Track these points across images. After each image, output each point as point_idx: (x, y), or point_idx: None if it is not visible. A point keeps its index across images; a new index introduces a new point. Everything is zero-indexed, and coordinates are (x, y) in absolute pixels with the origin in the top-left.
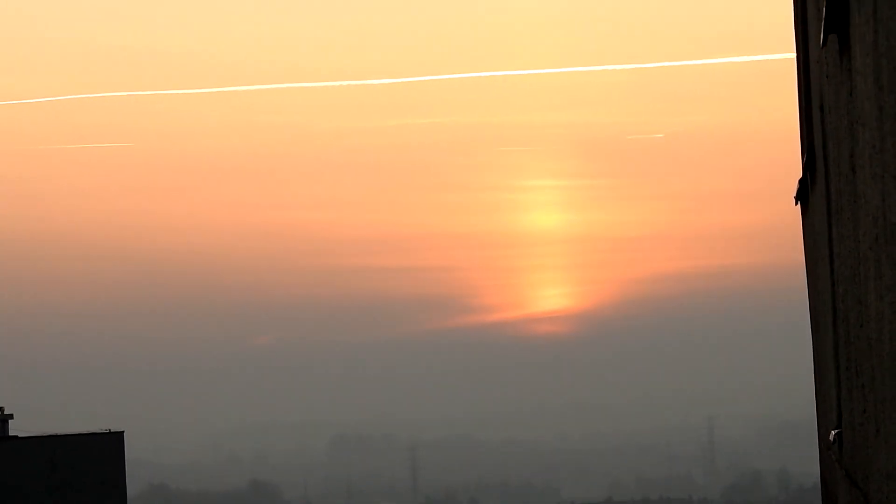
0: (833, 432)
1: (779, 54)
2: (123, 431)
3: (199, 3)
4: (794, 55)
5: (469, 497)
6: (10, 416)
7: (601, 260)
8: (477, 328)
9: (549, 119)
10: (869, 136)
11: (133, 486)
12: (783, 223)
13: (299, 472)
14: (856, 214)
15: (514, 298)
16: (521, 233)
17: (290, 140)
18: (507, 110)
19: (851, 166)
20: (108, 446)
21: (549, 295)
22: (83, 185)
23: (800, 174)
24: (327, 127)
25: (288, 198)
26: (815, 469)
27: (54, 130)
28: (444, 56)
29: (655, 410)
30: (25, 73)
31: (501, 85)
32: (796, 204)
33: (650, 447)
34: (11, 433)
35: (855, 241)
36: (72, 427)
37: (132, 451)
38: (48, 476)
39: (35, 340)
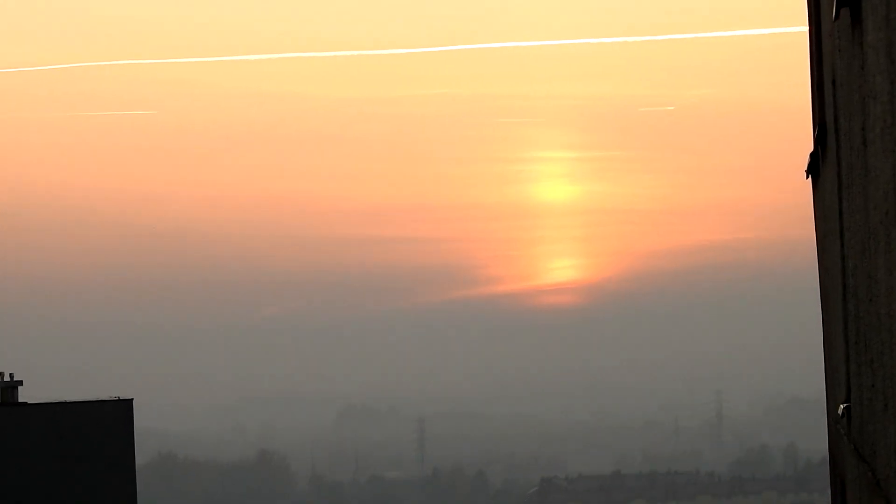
0: (841, 407)
1: (791, 27)
2: (133, 399)
3: None
4: (806, 28)
5: (476, 470)
6: (20, 383)
7: (610, 232)
8: (484, 300)
9: (560, 90)
10: (880, 111)
11: (141, 454)
12: (793, 197)
13: (307, 442)
14: (866, 189)
15: (522, 270)
16: (529, 204)
17: (297, 110)
18: (517, 82)
19: (863, 140)
20: (118, 414)
21: (558, 267)
22: (99, 154)
23: (811, 148)
24: (335, 97)
25: (297, 168)
26: (823, 444)
27: (76, 98)
28: (453, 26)
29: (663, 384)
30: (48, 41)
31: (511, 56)
32: (807, 178)
33: (657, 421)
34: (21, 400)
35: (865, 215)
36: (81, 394)
37: (141, 420)
38: (56, 443)
39: (46, 308)
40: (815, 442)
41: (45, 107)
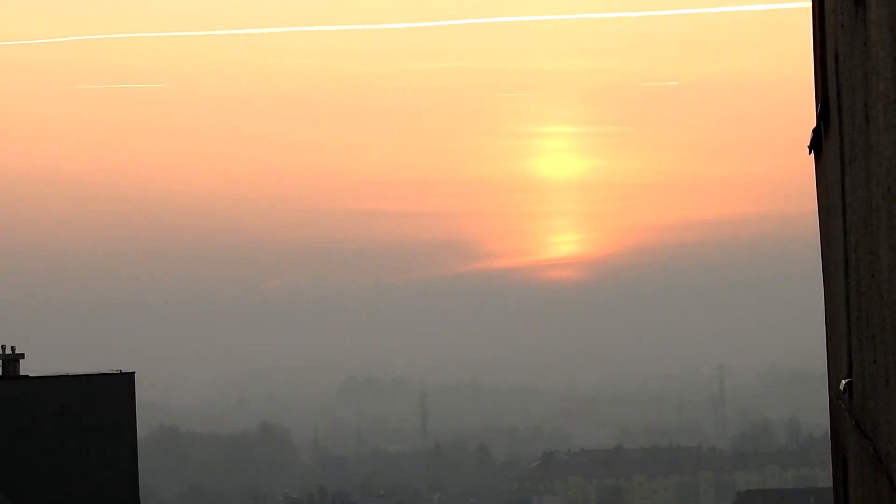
0: (843, 382)
1: (794, 3)
2: (134, 372)
3: None
4: (809, 4)
5: (478, 442)
6: (22, 356)
7: (613, 207)
8: (488, 274)
9: (564, 66)
10: (883, 87)
11: (143, 427)
12: (796, 172)
13: (309, 415)
14: (869, 164)
15: (526, 244)
16: (534, 179)
17: (303, 83)
18: (523, 57)
19: (865, 116)
20: (119, 387)
21: (561, 241)
22: (103, 127)
23: (813, 123)
24: (340, 71)
25: (300, 142)
26: (825, 419)
27: (84, 71)
28: (460, 1)
29: (666, 359)
30: (54, 14)
31: (515, 31)
32: (810, 153)
33: (660, 395)
34: (22, 373)
35: (868, 191)
36: (83, 367)
37: (143, 393)
38: (58, 416)
39: (48, 281)
40: (817, 416)
41: (52, 80)
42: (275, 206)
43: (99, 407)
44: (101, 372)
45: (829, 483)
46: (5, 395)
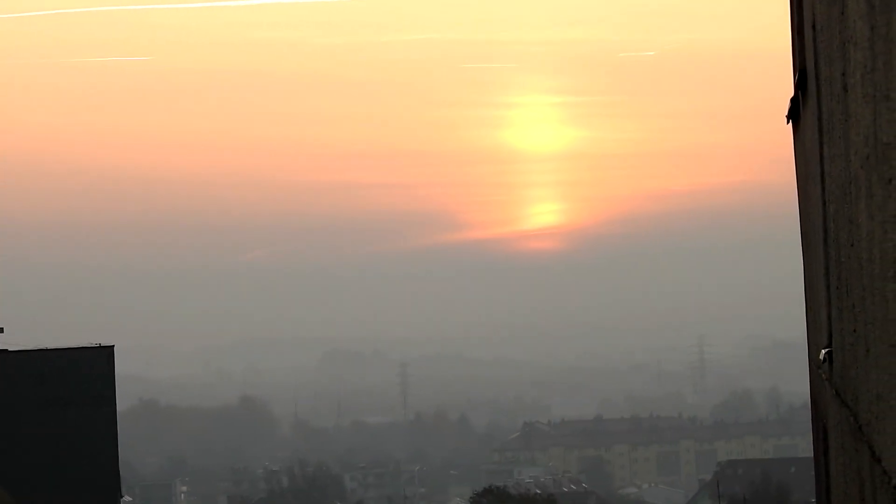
0: (823, 352)
1: None
2: (114, 346)
3: None
4: None
5: (459, 414)
6: (1, 330)
7: (591, 177)
8: (468, 245)
9: (541, 36)
10: (860, 56)
11: (123, 401)
12: (774, 142)
13: (289, 387)
14: (847, 134)
15: (506, 215)
16: (512, 149)
17: (280, 56)
18: (499, 27)
19: (843, 86)
20: (99, 361)
21: (540, 212)
22: (85, 99)
23: (791, 93)
24: (314, 43)
25: (279, 113)
26: (806, 388)
27: (67, 44)
28: None
29: (646, 329)
30: None
31: (492, 1)
32: (788, 122)
33: (641, 366)
34: (2, 347)
35: (846, 160)
36: (62, 341)
37: (122, 366)
38: (38, 390)
39: (27, 254)
40: (797, 386)
41: (38, 53)
42: (251, 178)
43: (79, 381)
44: (81, 346)
45: (810, 452)
46: None
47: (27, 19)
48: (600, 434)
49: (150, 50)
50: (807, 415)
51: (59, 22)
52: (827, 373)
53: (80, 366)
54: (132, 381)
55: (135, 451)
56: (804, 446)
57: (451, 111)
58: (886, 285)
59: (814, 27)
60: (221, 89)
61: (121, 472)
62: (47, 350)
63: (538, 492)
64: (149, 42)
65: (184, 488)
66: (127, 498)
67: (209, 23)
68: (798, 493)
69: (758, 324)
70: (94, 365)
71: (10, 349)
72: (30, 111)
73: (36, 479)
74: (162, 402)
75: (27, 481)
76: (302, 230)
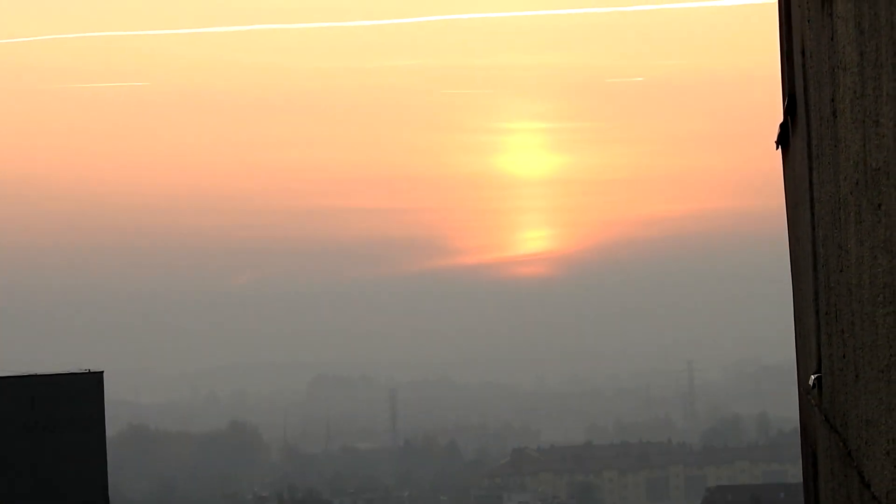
0: (812, 377)
1: None
2: (103, 372)
3: None
4: None
5: (448, 439)
6: None
7: (580, 203)
8: (457, 270)
9: (530, 62)
10: (850, 81)
11: (112, 426)
12: (763, 167)
13: (278, 412)
14: (836, 159)
15: (495, 241)
16: (500, 175)
17: (270, 81)
18: (489, 52)
19: (832, 111)
20: (88, 387)
21: (529, 238)
22: (76, 126)
23: (780, 118)
24: (309, 68)
25: (269, 138)
26: (795, 414)
27: (66, 70)
28: None
29: (635, 354)
30: (35, 13)
31: (482, 27)
32: (777, 148)
33: (630, 391)
34: None
35: (836, 185)
36: (51, 367)
37: (112, 392)
38: (27, 416)
39: (16, 279)
40: (787, 411)
41: (33, 79)
42: (242, 203)
43: (68, 406)
44: (70, 371)
45: (800, 478)
46: None
47: (19, 45)
48: (590, 459)
49: (143, 76)
50: (796, 440)
51: (56, 47)
52: (816, 398)
53: (69, 391)
54: (121, 406)
55: (124, 477)
56: (794, 472)
57: (439, 137)
58: (876, 311)
59: (803, 52)
60: (212, 114)
61: (110, 498)
62: (37, 376)
63: None
64: (140, 68)
65: None
66: None
67: (204, 48)
68: None
69: (747, 349)
70: (84, 390)
71: None
72: (24, 136)
73: None
74: (151, 427)
75: None
76: (291, 254)
